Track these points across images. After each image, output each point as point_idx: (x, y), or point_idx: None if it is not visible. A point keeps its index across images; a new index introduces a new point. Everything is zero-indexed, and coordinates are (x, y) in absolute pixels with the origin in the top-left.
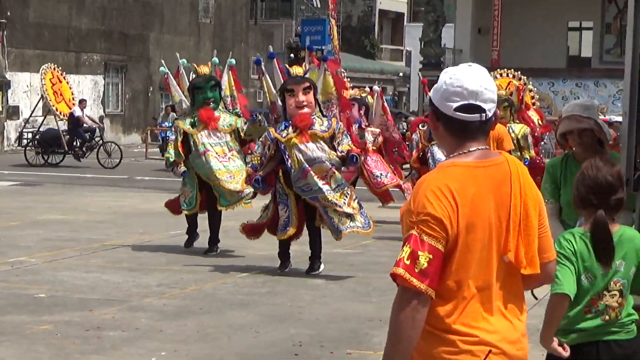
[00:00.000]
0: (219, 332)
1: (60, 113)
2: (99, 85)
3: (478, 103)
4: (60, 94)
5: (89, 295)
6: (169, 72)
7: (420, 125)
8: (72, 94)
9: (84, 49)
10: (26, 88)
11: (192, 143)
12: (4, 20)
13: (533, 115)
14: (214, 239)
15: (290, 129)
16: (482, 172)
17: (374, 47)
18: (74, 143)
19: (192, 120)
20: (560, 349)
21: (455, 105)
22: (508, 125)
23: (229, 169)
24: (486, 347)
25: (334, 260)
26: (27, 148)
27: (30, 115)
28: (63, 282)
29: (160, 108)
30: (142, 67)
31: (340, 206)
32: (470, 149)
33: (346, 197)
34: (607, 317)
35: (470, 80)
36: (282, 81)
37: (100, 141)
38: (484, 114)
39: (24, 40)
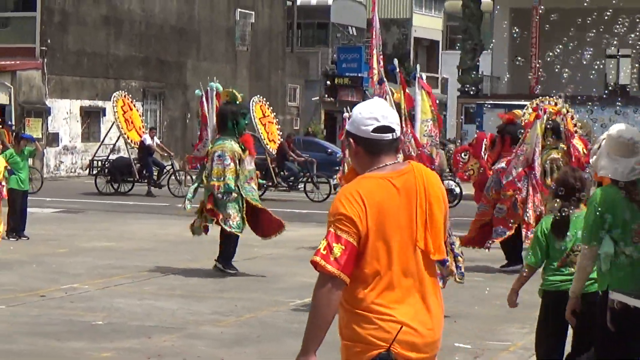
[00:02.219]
0: None
1: (131, 141)
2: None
3: (388, 124)
4: (131, 122)
5: (146, 322)
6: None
7: (462, 154)
8: (142, 121)
9: (122, 75)
10: (66, 115)
11: (238, 168)
12: (44, 48)
13: (578, 143)
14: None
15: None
16: (392, 182)
17: (409, 74)
18: (144, 171)
19: (239, 145)
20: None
21: (371, 128)
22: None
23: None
24: (398, 324)
25: None
26: (98, 176)
27: (101, 143)
28: (119, 309)
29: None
30: (180, 94)
31: None
32: (386, 164)
33: None
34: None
35: (379, 109)
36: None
37: (172, 169)
38: (393, 133)
39: (63, 67)
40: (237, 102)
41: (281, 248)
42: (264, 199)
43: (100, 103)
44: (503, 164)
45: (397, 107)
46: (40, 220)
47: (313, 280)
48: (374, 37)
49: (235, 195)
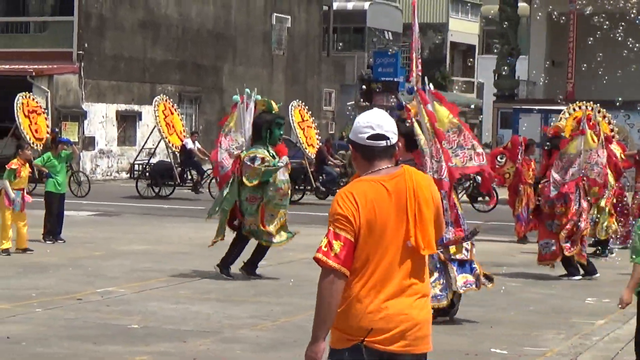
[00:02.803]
0: None
1: (172, 145)
2: None
3: (383, 132)
4: (172, 126)
5: (181, 326)
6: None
7: (498, 157)
8: (183, 125)
9: (159, 80)
10: (102, 119)
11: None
12: (81, 52)
13: (615, 149)
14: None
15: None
16: (382, 184)
17: (445, 79)
18: (185, 175)
19: (270, 154)
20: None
21: (366, 136)
22: None
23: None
24: (381, 312)
25: None
26: (139, 180)
27: (142, 147)
28: (154, 313)
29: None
30: (216, 98)
31: None
32: (380, 168)
33: None
34: None
35: (375, 118)
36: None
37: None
38: (388, 141)
39: (100, 71)
40: (273, 112)
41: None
42: (302, 203)
43: (136, 107)
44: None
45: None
46: (77, 223)
47: None
48: (413, 41)
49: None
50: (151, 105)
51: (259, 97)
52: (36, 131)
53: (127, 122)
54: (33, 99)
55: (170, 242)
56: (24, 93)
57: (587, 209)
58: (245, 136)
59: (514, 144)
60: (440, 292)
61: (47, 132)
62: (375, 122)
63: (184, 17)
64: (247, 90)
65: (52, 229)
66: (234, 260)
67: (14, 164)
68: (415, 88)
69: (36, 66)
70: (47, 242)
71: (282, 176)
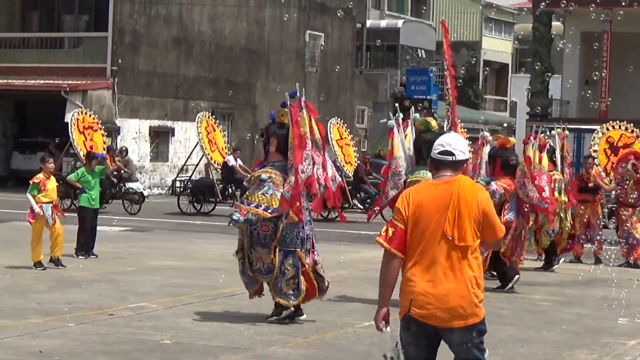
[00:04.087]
0: None
1: (215, 162)
2: None
3: (451, 150)
4: (215, 143)
5: (213, 342)
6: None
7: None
8: (225, 142)
9: (192, 96)
10: (135, 134)
11: None
12: (115, 68)
13: None
14: None
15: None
16: (436, 187)
17: (478, 97)
18: (226, 192)
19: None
20: None
21: (437, 151)
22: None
23: None
24: (419, 289)
25: None
26: (180, 196)
27: (185, 164)
28: (186, 329)
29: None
30: (248, 114)
31: None
32: (443, 175)
33: None
34: None
35: (448, 139)
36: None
37: None
38: (454, 157)
39: (133, 87)
40: (432, 130)
41: (349, 269)
42: (338, 221)
43: (169, 123)
44: (494, 186)
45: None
46: (109, 238)
47: None
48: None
49: None
50: (184, 121)
51: (417, 115)
52: (91, 147)
53: (160, 138)
54: (90, 115)
55: (201, 258)
56: (79, 109)
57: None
58: (403, 158)
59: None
60: (292, 292)
61: (104, 148)
62: (447, 142)
63: (217, 34)
64: (416, 115)
65: (85, 243)
66: None
67: (37, 177)
68: (302, 99)
69: (70, 81)
70: (80, 257)
71: None
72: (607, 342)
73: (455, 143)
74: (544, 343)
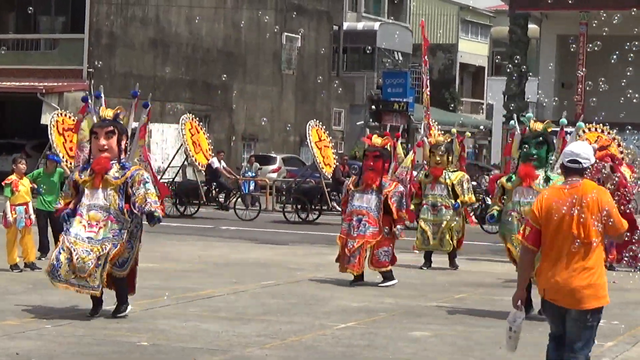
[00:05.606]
0: None
1: (199, 164)
2: None
3: (578, 159)
4: (199, 145)
5: (190, 344)
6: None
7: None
8: (209, 144)
9: (168, 98)
10: None
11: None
12: (91, 70)
13: (625, 171)
14: None
15: (88, 171)
16: (564, 191)
17: (455, 99)
18: (210, 194)
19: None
20: None
21: (567, 160)
22: (444, 171)
23: None
24: (550, 278)
25: (430, 314)
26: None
27: (168, 166)
28: (164, 331)
29: (243, 157)
30: (225, 116)
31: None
32: (569, 180)
33: (104, 250)
34: None
35: (577, 148)
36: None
37: (239, 193)
38: (580, 164)
39: (110, 89)
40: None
41: (326, 272)
42: (318, 222)
43: None
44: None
45: None
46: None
47: (356, 305)
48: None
49: None
50: (161, 123)
51: (530, 114)
52: (71, 149)
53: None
54: (70, 117)
55: (178, 260)
56: (59, 111)
57: None
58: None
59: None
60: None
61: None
62: (576, 151)
63: (194, 36)
64: (529, 115)
65: (42, 246)
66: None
67: (9, 179)
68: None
69: (47, 83)
70: (41, 259)
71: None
72: None
73: (582, 152)
74: (523, 345)
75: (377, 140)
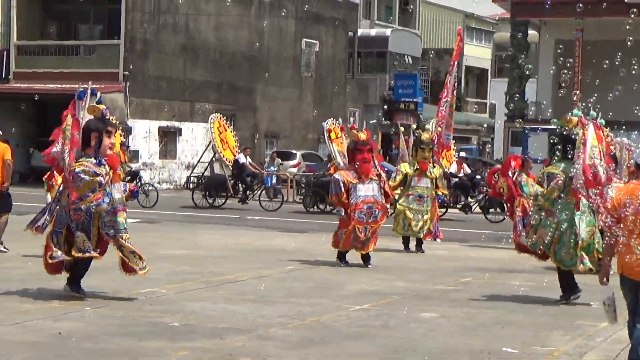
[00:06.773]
0: None
1: (226, 160)
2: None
3: None
4: (226, 142)
5: (219, 324)
6: None
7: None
8: (236, 141)
9: (197, 98)
10: (145, 134)
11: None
12: (126, 73)
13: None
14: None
15: (107, 167)
16: (638, 186)
17: (460, 100)
18: (237, 187)
19: None
20: None
21: (639, 160)
22: (429, 165)
23: None
24: (626, 257)
25: (439, 297)
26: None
27: (198, 162)
28: (194, 312)
29: (265, 154)
30: (250, 115)
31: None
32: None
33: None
34: None
35: None
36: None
37: (263, 186)
38: None
39: (144, 90)
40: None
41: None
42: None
43: (176, 124)
44: None
45: None
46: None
47: (370, 288)
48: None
49: None
50: (190, 122)
51: (594, 115)
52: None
53: (168, 137)
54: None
55: (208, 247)
56: None
57: None
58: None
59: (507, 161)
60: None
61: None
62: None
63: (221, 42)
64: (592, 113)
65: None
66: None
67: (51, 173)
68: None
69: (85, 85)
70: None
71: None
72: (580, 324)
73: None
74: (523, 325)
75: (362, 135)
